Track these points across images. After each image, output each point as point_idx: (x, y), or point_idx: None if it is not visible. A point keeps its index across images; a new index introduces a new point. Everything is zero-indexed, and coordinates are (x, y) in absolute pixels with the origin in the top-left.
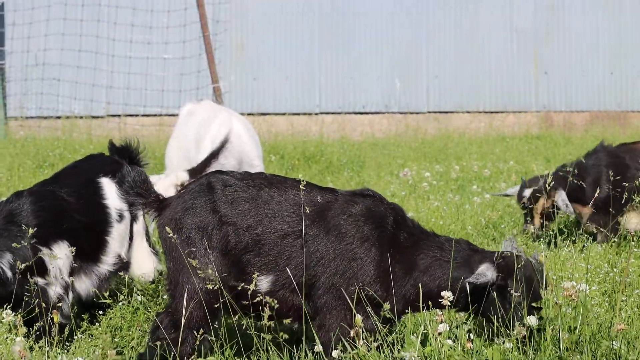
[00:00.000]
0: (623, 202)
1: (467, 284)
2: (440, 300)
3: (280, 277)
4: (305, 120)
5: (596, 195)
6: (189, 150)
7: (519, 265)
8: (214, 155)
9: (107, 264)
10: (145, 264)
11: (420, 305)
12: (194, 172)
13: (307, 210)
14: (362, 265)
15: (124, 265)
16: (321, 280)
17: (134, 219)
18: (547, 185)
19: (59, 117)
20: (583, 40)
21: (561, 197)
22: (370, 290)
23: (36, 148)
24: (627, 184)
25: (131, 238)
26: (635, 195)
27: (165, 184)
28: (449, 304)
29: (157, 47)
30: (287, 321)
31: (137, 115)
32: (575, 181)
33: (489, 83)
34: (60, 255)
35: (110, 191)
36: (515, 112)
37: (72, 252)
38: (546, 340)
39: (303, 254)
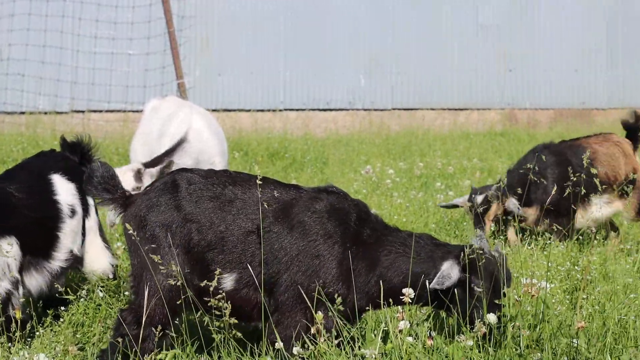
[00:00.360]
0: (571, 200)
1: (428, 283)
2: (402, 296)
3: (244, 274)
4: (270, 117)
5: (551, 195)
6: (152, 146)
7: (483, 261)
8: (168, 153)
9: (58, 259)
10: (99, 260)
11: (381, 301)
12: (147, 167)
13: (271, 208)
14: (324, 263)
15: (76, 260)
16: (284, 277)
17: (86, 214)
18: (499, 190)
19: (22, 113)
20: (548, 38)
21: (512, 202)
22: (332, 288)
23: (0, 144)
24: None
25: (84, 234)
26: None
27: (121, 171)
28: (410, 300)
29: (121, 42)
30: (250, 320)
31: (101, 111)
32: (517, 185)
33: (453, 80)
34: (8, 251)
35: (61, 187)
36: (480, 109)
37: (19, 248)
38: (506, 337)
39: (264, 250)
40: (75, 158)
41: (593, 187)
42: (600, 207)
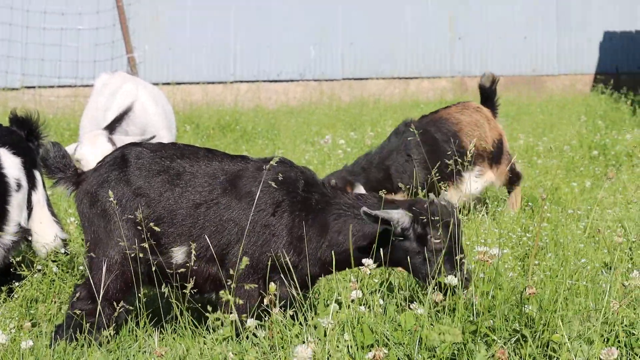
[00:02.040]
0: (438, 179)
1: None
2: (357, 260)
3: (195, 247)
4: (221, 89)
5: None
6: (99, 121)
7: (435, 209)
8: (119, 119)
9: (9, 233)
10: (48, 233)
11: (334, 267)
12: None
13: (219, 179)
14: (274, 232)
15: (25, 232)
16: (235, 249)
17: (32, 188)
18: (351, 175)
19: None
20: (498, 4)
21: (358, 190)
22: (284, 256)
23: None
24: (439, 160)
25: (31, 208)
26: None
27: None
28: (369, 271)
29: (71, 17)
30: (203, 292)
31: (52, 87)
32: (377, 170)
33: (404, 49)
34: None
35: (7, 160)
36: (430, 77)
37: None
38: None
39: (214, 222)
40: (22, 133)
41: (462, 162)
42: (472, 182)
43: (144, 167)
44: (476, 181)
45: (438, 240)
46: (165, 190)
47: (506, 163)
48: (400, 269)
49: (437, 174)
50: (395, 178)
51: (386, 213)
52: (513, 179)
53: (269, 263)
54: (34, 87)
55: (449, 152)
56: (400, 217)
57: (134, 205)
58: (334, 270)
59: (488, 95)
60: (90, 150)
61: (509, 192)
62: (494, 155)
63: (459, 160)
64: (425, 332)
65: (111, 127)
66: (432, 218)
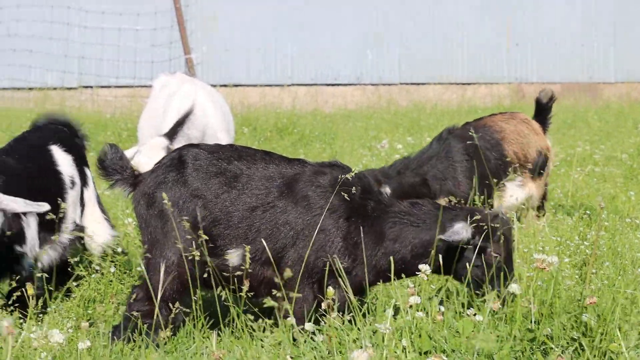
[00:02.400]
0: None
1: (441, 242)
2: (414, 267)
3: (250, 250)
4: (278, 92)
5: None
6: (157, 123)
7: (497, 224)
8: (180, 123)
9: (65, 231)
10: (99, 230)
11: (392, 275)
12: (168, 137)
13: (276, 183)
14: (330, 237)
15: (80, 230)
16: (290, 253)
17: (84, 185)
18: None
19: (31, 89)
20: (555, 11)
21: (386, 189)
22: (338, 262)
23: (9, 120)
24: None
25: (83, 205)
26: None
27: (152, 148)
28: (426, 277)
29: (129, 18)
30: (258, 295)
31: (109, 87)
32: (413, 174)
33: (461, 54)
34: (31, 224)
35: (60, 157)
36: (487, 83)
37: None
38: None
39: (269, 225)
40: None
41: (504, 170)
42: (513, 192)
43: (202, 169)
44: (517, 191)
45: (497, 253)
46: (222, 192)
47: (547, 178)
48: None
49: (481, 183)
50: (434, 184)
51: (453, 234)
52: (546, 195)
53: (326, 268)
54: (91, 87)
55: (492, 161)
56: (468, 234)
57: (190, 206)
58: (391, 278)
59: (542, 111)
60: (147, 161)
61: (540, 207)
62: (537, 168)
63: (503, 169)
64: (480, 341)
65: (172, 133)
66: (493, 230)
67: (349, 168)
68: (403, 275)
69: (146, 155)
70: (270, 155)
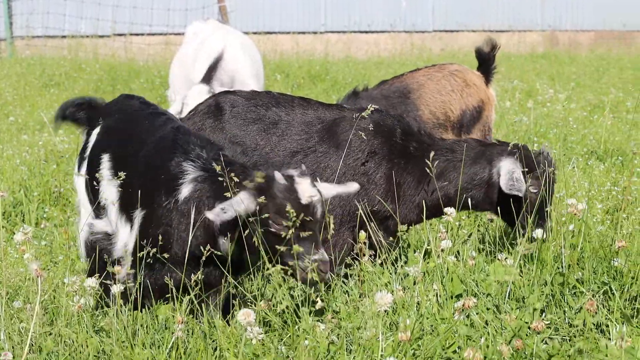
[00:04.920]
0: None
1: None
2: (459, 202)
3: None
4: (311, 39)
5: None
6: (188, 69)
7: (540, 159)
8: (212, 68)
9: None
10: None
11: (442, 206)
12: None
13: (315, 128)
14: (372, 180)
15: None
16: None
17: None
18: None
19: (64, 37)
20: None
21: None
22: (380, 205)
23: (42, 67)
24: None
25: None
26: None
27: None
28: (452, 218)
29: None
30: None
31: (143, 34)
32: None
33: (495, 1)
34: None
35: None
36: (521, 31)
37: None
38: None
39: (310, 170)
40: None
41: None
42: None
43: (239, 115)
44: None
45: (536, 191)
46: (262, 138)
47: (480, 132)
48: (488, 214)
49: None
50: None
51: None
52: None
53: (367, 210)
54: (124, 35)
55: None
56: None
57: (229, 153)
58: (433, 215)
59: (485, 60)
60: None
61: None
62: (464, 124)
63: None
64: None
65: (207, 78)
66: (536, 168)
67: (387, 111)
68: (447, 210)
69: (194, 102)
70: (308, 101)
